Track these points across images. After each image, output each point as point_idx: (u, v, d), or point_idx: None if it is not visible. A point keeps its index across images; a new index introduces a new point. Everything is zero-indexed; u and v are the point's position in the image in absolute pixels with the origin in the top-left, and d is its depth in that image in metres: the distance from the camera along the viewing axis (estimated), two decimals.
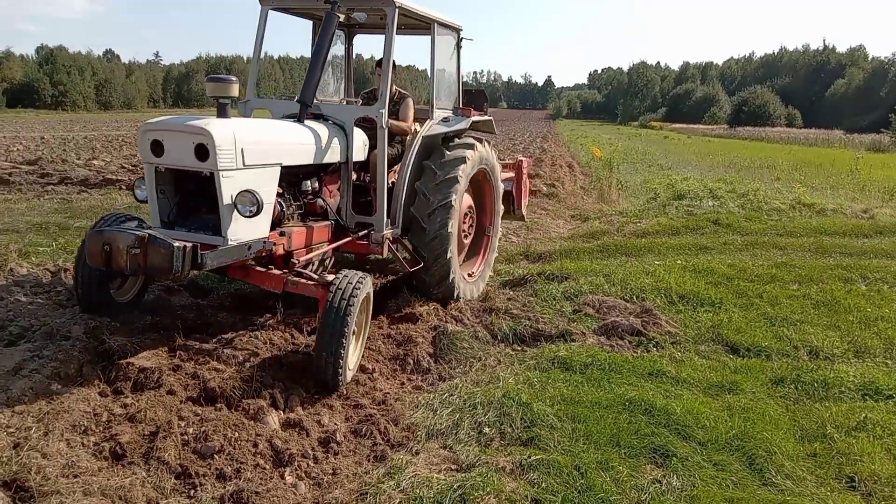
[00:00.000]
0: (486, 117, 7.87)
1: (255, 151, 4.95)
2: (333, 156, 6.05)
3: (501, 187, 8.16)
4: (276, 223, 5.43)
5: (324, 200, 6.07)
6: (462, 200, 6.94)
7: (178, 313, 6.12)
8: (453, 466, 4.15)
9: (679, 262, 9.26)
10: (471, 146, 7.05)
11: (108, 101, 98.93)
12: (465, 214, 7.29)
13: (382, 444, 4.48)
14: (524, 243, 11.09)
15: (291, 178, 5.75)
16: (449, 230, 6.56)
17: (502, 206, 8.39)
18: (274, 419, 4.52)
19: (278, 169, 5.30)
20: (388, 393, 5.21)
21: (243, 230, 4.89)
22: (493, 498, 3.74)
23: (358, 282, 4.98)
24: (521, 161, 9.21)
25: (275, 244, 5.25)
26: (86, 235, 5.22)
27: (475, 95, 8.26)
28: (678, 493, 3.89)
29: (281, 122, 5.81)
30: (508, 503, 3.71)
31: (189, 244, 4.36)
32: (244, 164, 4.85)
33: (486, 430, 4.61)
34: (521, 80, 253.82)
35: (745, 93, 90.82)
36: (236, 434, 4.25)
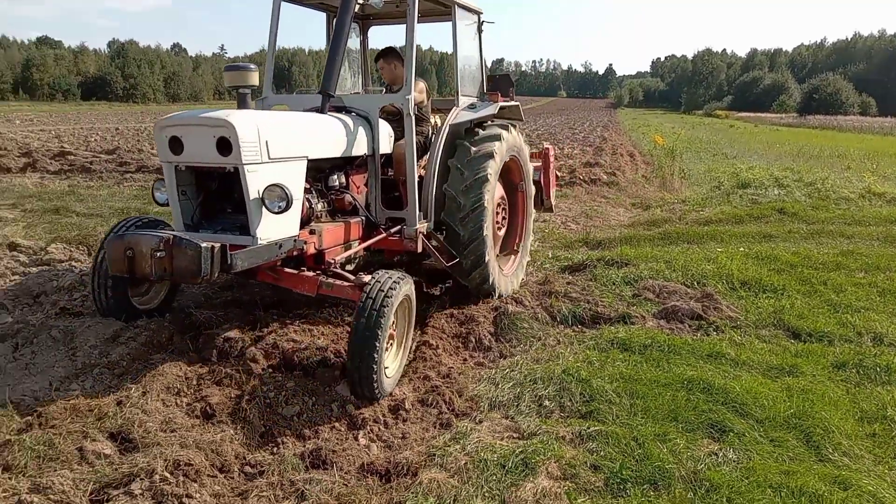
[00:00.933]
0: (512, 102, 7.51)
1: (280, 143, 4.67)
2: (360, 148, 5.74)
3: (531, 169, 7.84)
4: (305, 221, 5.14)
5: (352, 196, 5.71)
6: (494, 198, 6.62)
7: (256, 290, 6.51)
8: (515, 434, 4.38)
9: (742, 249, 9.21)
10: (497, 137, 6.60)
11: (177, 93, 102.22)
12: (498, 205, 6.92)
13: (448, 412, 4.74)
14: (583, 230, 11.18)
15: (318, 172, 5.48)
16: (484, 233, 6.25)
17: (533, 188, 7.98)
18: (346, 388, 4.82)
19: (305, 162, 5.01)
20: (452, 367, 5.45)
21: (273, 228, 4.61)
22: (554, 463, 3.95)
23: (394, 283, 4.66)
24: (548, 149, 8.66)
25: (306, 243, 4.99)
26: (104, 241, 5.03)
27: (500, 80, 7.85)
28: (734, 464, 4.01)
29: (304, 113, 5.51)
30: (569, 468, 3.91)
31: (217, 244, 4.13)
32: (269, 157, 4.57)
33: (547, 402, 4.81)
34: (581, 69, 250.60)
35: (816, 80, 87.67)
36: (313, 399, 4.60)
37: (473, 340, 6.01)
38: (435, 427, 4.56)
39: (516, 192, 7.66)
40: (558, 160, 20.34)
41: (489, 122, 6.97)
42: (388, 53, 6.78)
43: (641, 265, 8.11)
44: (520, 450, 4.08)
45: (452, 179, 6.26)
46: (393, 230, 5.91)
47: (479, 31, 7.30)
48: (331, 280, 4.94)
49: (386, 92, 6.86)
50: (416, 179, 5.88)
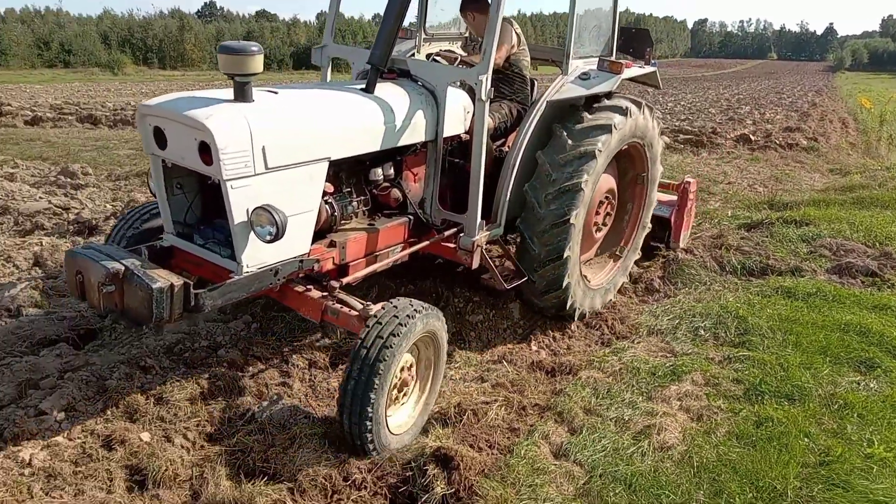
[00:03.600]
0: (647, 69, 5.78)
1: (284, 148, 3.61)
2: (415, 135, 4.49)
3: (660, 170, 6.26)
4: (325, 230, 4.21)
5: (401, 190, 4.62)
6: (598, 184, 5.27)
7: None
8: (668, 354, 4.99)
9: None
10: (623, 111, 5.21)
11: None
12: (601, 202, 5.60)
13: (609, 334, 5.44)
14: (770, 193, 11.05)
15: (352, 167, 4.37)
16: (571, 221, 4.87)
17: (655, 199, 6.39)
18: (516, 308, 5.65)
19: (325, 165, 3.90)
20: (617, 302, 6.09)
21: (267, 252, 3.65)
22: (699, 374, 4.54)
23: (406, 318, 3.60)
24: (689, 183, 6.99)
25: (319, 260, 4.02)
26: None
27: (635, 37, 6.17)
28: (873, 391, 4.35)
29: (335, 93, 4.20)
30: (712, 378, 4.49)
31: (178, 283, 3.30)
32: (267, 167, 3.53)
33: (702, 332, 5.34)
34: (795, 29, 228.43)
35: None
36: (492, 312, 5.51)
37: (643, 282, 6.57)
38: (596, 344, 5.31)
39: (633, 190, 6.20)
40: (755, 124, 19.54)
41: (605, 100, 5.37)
42: (469, 3, 5.49)
43: (822, 225, 8.09)
44: (670, 364, 4.72)
45: (551, 146, 5.04)
46: (447, 233, 4.80)
47: None
48: (337, 306, 3.90)
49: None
50: (482, 178, 4.61)
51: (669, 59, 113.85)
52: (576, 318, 5.52)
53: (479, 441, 3.79)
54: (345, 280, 4.17)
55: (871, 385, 4.43)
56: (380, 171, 4.44)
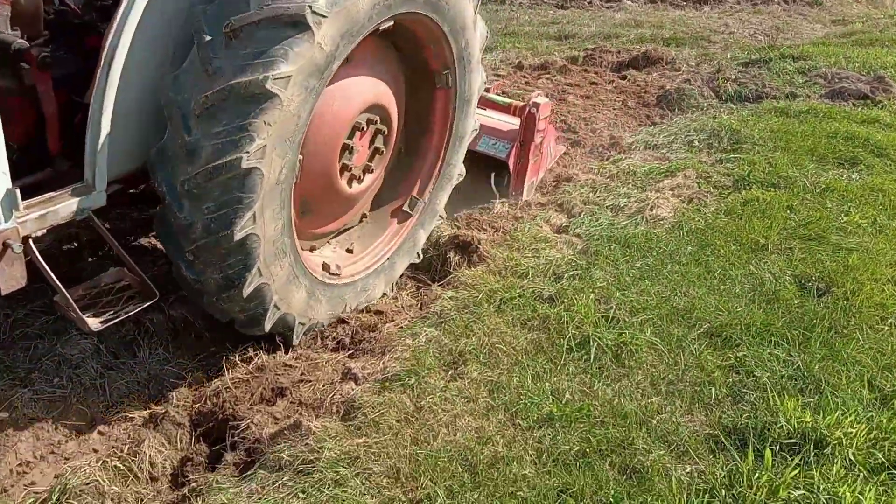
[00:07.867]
0: None
1: None
2: None
3: (476, 54, 3.61)
4: None
5: None
6: (283, 154, 2.67)
7: None
8: (663, 160, 5.25)
9: None
10: None
11: None
12: (360, 127, 3.19)
13: (609, 152, 5.65)
14: (770, 41, 11.01)
15: None
16: (237, 234, 2.62)
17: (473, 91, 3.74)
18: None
19: None
20: (611, 131, 6.26)
21: None
22: (692, 171, 4.84)
23: None
24: (538, 105, 4.46)
25: None
26: None
27: None
28: (854, 180, 4.66)
29: None
30: (704, 173, 4.79)
31: None
32: None
33: (696, 143, 5.59)
34: None
35: None
36: None
37: (639, 115, 6.74)
38: (594, 159, 5.52)
39: (432, 92, 3.62)
40: None
41: None
42: None
43: (819, 59, 8.15)
44: (664, 166, 5.00)
45: (183, 74, 2.58)
46: None
47: None
48: None
49: None
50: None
51: None
52: (297, 337, 3.18)
53: (486, 226, 4.12)
54: None
55: (854, 176, 4.73)
56: None
